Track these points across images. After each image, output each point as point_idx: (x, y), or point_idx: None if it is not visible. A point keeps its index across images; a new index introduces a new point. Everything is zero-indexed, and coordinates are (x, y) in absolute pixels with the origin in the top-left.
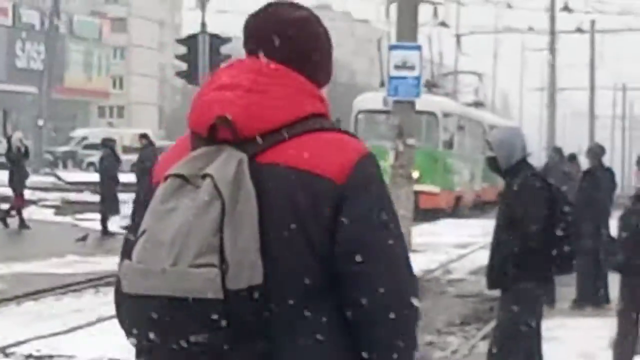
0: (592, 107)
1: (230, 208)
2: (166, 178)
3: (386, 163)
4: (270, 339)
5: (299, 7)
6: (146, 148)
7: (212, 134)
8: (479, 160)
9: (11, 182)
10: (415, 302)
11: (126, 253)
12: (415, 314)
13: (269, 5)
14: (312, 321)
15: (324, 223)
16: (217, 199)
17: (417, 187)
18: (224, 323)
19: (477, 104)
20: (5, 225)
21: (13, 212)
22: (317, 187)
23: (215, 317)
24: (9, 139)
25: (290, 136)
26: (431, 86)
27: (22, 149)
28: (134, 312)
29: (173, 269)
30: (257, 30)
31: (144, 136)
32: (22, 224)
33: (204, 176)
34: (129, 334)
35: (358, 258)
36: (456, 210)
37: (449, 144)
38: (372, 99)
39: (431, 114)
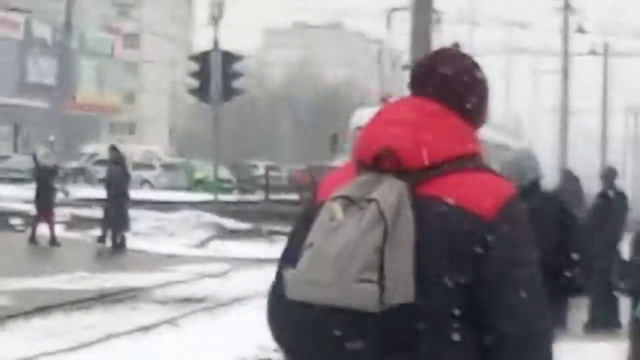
0: (604, 129)
1: (392, 231)
2: (333, 198)
3: None
4: (414, 354)
5: (462, 55)
6: (114, 163)
7: (376, 163)
8: None
9: (37, 200)
10: (550, 331)
11: (288, 260)
12: (550, 343)
13: (436, 52)
14: (453, 342)
15: (472, 255)
16: (381, 222)
17: None
18: (377, 335)
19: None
20: (35, 242)
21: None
22: (470, 222)
23: (371, 328)
24: (34, 156)
25: (448, 172)
26: None
27: (50, 166)
28: (293, 317)
29: (337, 282)
30: (424, 74)
31: (114, 149)
32: (53, 241)
33: (369, 200)
34: (278, 337)
35: (502, 290)
36: None
37: None
38: (370, 115)
39: None
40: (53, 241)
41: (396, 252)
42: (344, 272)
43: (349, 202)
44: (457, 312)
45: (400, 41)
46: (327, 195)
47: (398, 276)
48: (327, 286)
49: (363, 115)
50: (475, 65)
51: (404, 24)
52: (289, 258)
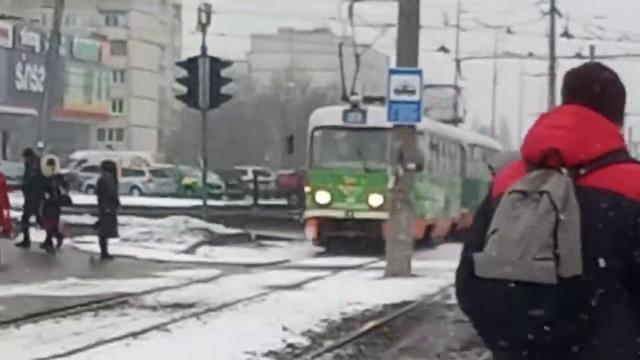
0: None
1: (562, 217)
2: (510, 192)
3: (342, 187)
4: (582, 319)
5: (605, 68)
6: (30, 165)
7: (543, 161)
8: (456, 183)
9: (43, 208)
10: None
11: (473, 245)
12: None
13: (584, 65)
14: (612, 311)
15: (628, 233)
16: (553, 210)
17: (379, 215)
18: (554, 302)
19: (456, 121)
20: (52, 251)
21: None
22: (624, 205)
23: (549, 297)
24: (38, 162)
25: (603, 165)
26: None
27: (56, 174)
28: (485, 291)
29: (520, 261)
30: (574, 84)
31: (28, 152)
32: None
33: (541, 192)
34: (468, 310)
35: None
36: (427, 240)
37: (419, 166)
38: (331, 114)
39: None
40: (49, 246)
41: (567, 235)
42: (525, 253)
43: (524, 195)
44: (616, 285)
45: (362, 33)
46: (503, 190)
47: (569, 254)
48: (513, 264)
49: (321, 115)
50: (617, 77)
51: (366, 15)
52: (474, 244)
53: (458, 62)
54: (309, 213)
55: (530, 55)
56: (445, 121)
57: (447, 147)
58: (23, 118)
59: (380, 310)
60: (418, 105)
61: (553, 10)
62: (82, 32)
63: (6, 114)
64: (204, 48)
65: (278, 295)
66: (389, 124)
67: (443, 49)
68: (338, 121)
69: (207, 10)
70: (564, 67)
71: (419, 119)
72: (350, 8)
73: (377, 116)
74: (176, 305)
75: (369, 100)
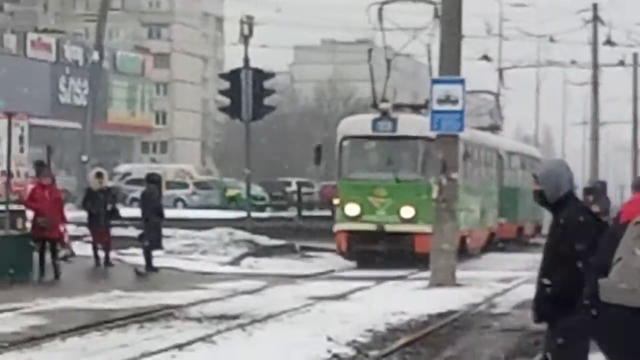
0: (635, 140)
1: None
2: (635, 223)
3: (372, 199)
4: None
5: None
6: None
7: None
8: (493, 192)
9: (89, 222)
10: None
11: (600, 269)
12: None
13: None
14: None
15: None
16: None
17: (411, 228)
18: None
19: (493, 128)
20: (110, 264)
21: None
22: None
23: None
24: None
25: None
26: None
27: (105, 188)
28: (607, 316)
29: None
30: None
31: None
32: (106, 262)
33: None
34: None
35: None
36: (463, 251)
37: None
38: (360, 123)
39: (426, 139)
40: (107, 262)
41: None
42: None
43: None
44: None
45: (393, 39)
46: (631, 218)
47: None
48: (634, 292)
49: (350, 124)
50: None
51: (397, 18)
52: (601, 267)
53: (501, 71)
54: (338, 226)
55: (573, 63)
56: (482, 128)
57: (484, 155)
58: (67, 132)
59: (425, 320)
60: (461, 114)
61: (596, 18)
62: (125, 45)
63: (50, 127)
64: (246, 60)
65: (323, 306)
66: (421, 133)
67: (486, 57)
68: (367, 130)
69: (249, 22)
70: (607, 75)
71: (462, 129)
72: (380, 11)
73: (408, 124)
74: (221, 317)
75: (399, 107)
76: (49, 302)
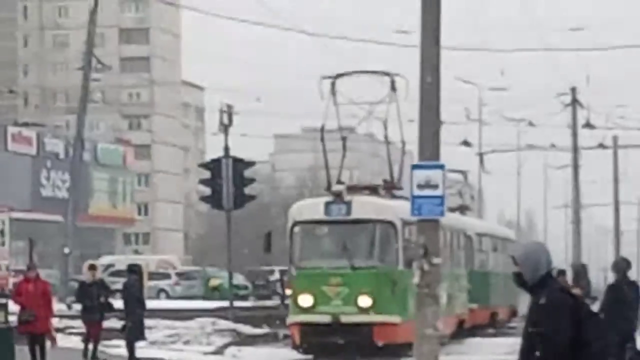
0: (617, 222)
1: None
2: None
3: (326, 289)
4: None
5: None
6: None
7: None
8: (461, 276)
9: (82, 314)
10: None
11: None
12: None
13: None
14: None
15: None
16: None
17: (369, 318)
18: None
19: (462, 209)
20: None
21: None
22: None
23: None
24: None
25: None
26: (390, 188)
27: (98, 281)
28: None
29: None
30: None
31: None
32: (93, 356)
33: None
34: None
35: None
36: None
37: (410, 261)
38: (311, 207)
39: (387, 223)
40: (94, 355)
41: None
42: None
43: None
44: None
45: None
46: None
47: None
48: None
49: (301, 208)
50: None
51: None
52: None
53: (481, 155)
54: (291, 318)
55: (553, 146)
56: (450, 209)
57: (449, 237)
58: (49, 225)
59: None
60: (442, 199)
61: (574, 102)
62: (105, 137)
63: (32, 220)
64: (226, 149)
65: None
66: (377, 216)
67: (466, 142)
68: (320, 214)
69: (229, 112)
70: (587, 157)
71: (442, 214)
72: (333, 85)
73: (363, 207)
74: None
75: (354, 190)
76: None
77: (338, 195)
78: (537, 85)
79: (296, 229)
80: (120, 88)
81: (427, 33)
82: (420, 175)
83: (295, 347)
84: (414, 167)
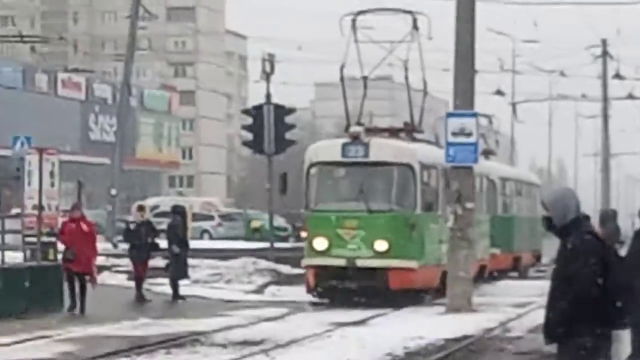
0: None
1: None
2: None
3: (342, 232)
4: None
5: None
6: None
7: None
8: (483, 221)
9: (130, 253)
10: None
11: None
12: None
13: None
14: None
15: None
16: None
17: (385, 263)
18: None
19: (487, 153)
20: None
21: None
22: None
23: None
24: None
25: None
26: (410, 131)
27: (146, 221)
28: None
29: None
30: None
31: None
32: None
33: None
34: None
35: None
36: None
37: (430, 205)
38: (328, 149)
39: (405, 165)
40: (139, 294)
41: None
42: None
43: None
44: None
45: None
46: None
47: None
48: None
49: (317, 149)
50: None
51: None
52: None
53: (514, 105)
54: (306, 261)
55: (584, 97)
56: None
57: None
58: (96, 167)
59: (442, 344)
60: (475, 147)
61: (605, 54)
62: (152, 84)
63: (81, 163)
64: (268, 96)
65: (343, 331)
66: (396, 158)
67: (499, 92)
68: (337, 156)
69: (271, 60)
70: (616, 107)
71: (476, 161)
72: (354, 22)
73: (381, 149)
74: (245, 343)
75: (372, 131)
76: (79, 329)
77: (356, 137)
78: (569, 37)
79: (312, 170)
80: (167, 36)
81: None
82: (455, 123)
83: (309, 290)
84: (449, 115)
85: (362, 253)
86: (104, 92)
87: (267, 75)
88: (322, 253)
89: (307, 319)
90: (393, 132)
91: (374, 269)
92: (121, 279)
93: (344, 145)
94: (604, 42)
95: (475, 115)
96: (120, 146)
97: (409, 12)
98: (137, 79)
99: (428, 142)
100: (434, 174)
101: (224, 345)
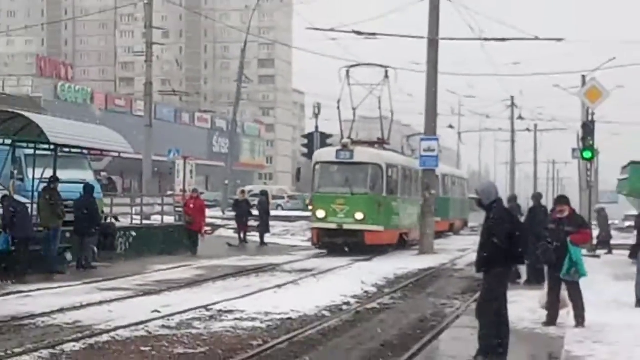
0: (535, 173)
1: None
2: None
3: (335, 206)
4: None
5: None
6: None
7: None
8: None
9: (237, 219)
10: None
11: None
12: None
13: None
14: None
15: None
16: None
17: (362, 227)
18: None
19: None
20: (245, 241)
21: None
22: None
23: None
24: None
25: None
26: (382, 143)
27: (245, 199)
28: None
29: None
30: None
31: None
32: (244, 239)
33: None
34: None
35: None
36: (404, 244)
37: (392, 190)
38: (328, 153)
39: (377, 165)
40: (244, 240)
41: None
42: None
43: None
44: None
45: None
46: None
47: None
48: None
49: (321, 153)
50: None
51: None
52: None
53: (459, 134)
54: (312, 225)
55: (500, 129)
56: None
57: (419, 176)
58: (216, 168)
59: (417, 272)
60: (436, 158)
61: (513, 104)
62: (249, 120)
63: (207, 165)
64: (316, 127)
65: (359, 264)
66: (370, 160)
67: (451, 126)
68: (332, 158)
69: (318, 106)
70: (519, 136)
71: (437, 166)
72: (347, 72)
73: (362, 154)
74: (302, 270)
75: (357, 143)
76: (205, 262)
77: (345, 146)
78: (492, 94)
79: (317, 166)
80: (258, 92)
81: (431, 64)
82: (425, 144)
83: (313, 244)
84: (422, 139)
85: (347, 220)
86: (221, 124)
87: (316, 115)
88: (322, 220)
89: (339, 257)
90: (371, 144)
91: (355, 231)
92: (228, 233)
93: (337, 151)
94: (512, 98)
95: (437, 139)
96: (230, 156)
97: (383, 66)
98: (240, 117)
99: (394, 150)
100: (395, 170)
101: (289, 272)
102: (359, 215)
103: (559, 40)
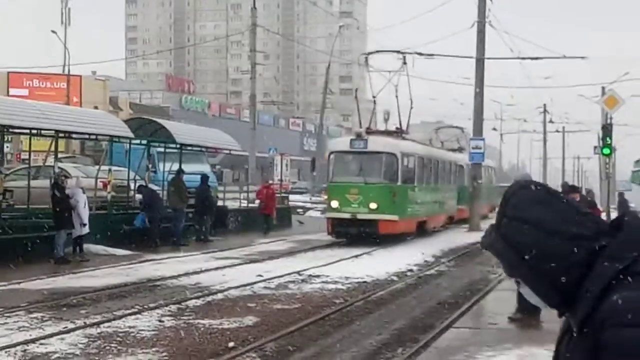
0: (563, 166)
1: None
2: None
3: (348, 196)
4: None
5: None
6: None
7: None
8: (450, 189)
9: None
10: None
11: None
12: None
13: None
14: None
15: None
16: None
17: (375, 216)
18: None
19: (460, 149)
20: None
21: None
22: None
23: None
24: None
25: None
26: (399, 132)
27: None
28: None
29: None
30: None
31: None
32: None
33: None
34: None
35: None
36: (423, 231)
37: (407, 180)
38: (342, 142)
39: (391, 154)
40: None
41: None
42: None
43: None
44: None
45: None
46: None
47: None
48: None
49: (335, 143)
50: None
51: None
52: None
53: (501, 135)
54: (327, 215)
55: (534, 131)
56: (452, 149)
57: (438, 165)
58: (307, 162)
59: (466, 245)
60: (483, 154)
61: (545, 111)
62: (332, 123)
63: (300, 160)
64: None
65: (421, 239)
66: (384, 149)
67: (494, 129)
68: (346, 147)
69: (387, 113)
70: (550, 137)
71: (483, 160)
72: (366, 59)
73: (375, 143)
74: (374, 243)
75: (371, 132)
76: (297, 237)
77: (359, 135)
78: (527, 102)
79: (331, 156)
80: (339, 102)
81: (478, 78)
82: (474, 143)
83: (329, 233)
84: (471, 139)
85: (361, 210)
86: (310, 128)
87: (385, 120)
88: (336, 209)
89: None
90: (389, 133)
91: (369, 220)
92: (317, 214)
93: (352, 140)
94: (545, 105)
95: (483, 139)
96: (318, 152)
97: (401, 52)
98: (326, 122)
99: (413, 140)
100: (412, 160)
101: (364, 245)
102: (373, 205)
103: (583, 58)
